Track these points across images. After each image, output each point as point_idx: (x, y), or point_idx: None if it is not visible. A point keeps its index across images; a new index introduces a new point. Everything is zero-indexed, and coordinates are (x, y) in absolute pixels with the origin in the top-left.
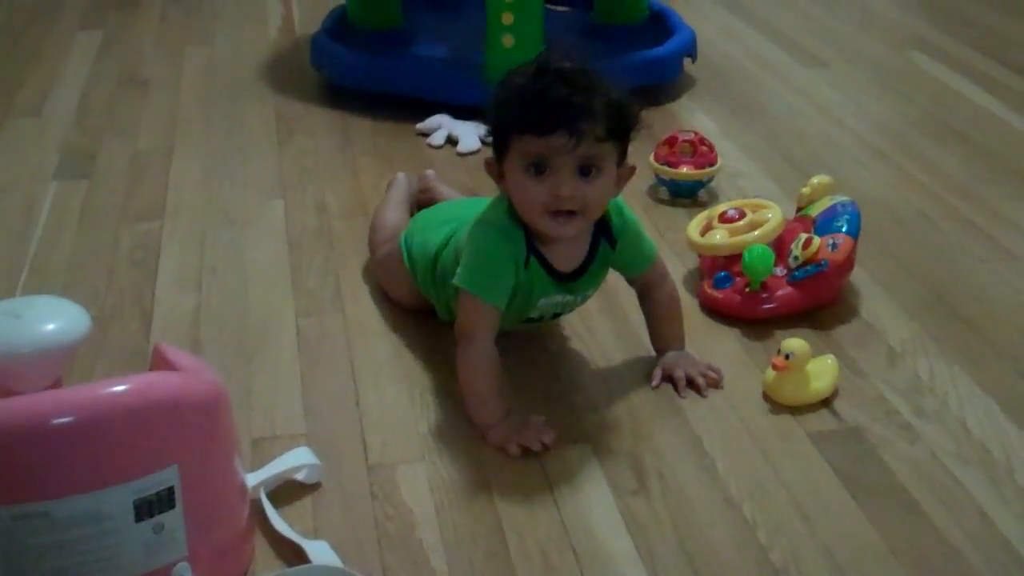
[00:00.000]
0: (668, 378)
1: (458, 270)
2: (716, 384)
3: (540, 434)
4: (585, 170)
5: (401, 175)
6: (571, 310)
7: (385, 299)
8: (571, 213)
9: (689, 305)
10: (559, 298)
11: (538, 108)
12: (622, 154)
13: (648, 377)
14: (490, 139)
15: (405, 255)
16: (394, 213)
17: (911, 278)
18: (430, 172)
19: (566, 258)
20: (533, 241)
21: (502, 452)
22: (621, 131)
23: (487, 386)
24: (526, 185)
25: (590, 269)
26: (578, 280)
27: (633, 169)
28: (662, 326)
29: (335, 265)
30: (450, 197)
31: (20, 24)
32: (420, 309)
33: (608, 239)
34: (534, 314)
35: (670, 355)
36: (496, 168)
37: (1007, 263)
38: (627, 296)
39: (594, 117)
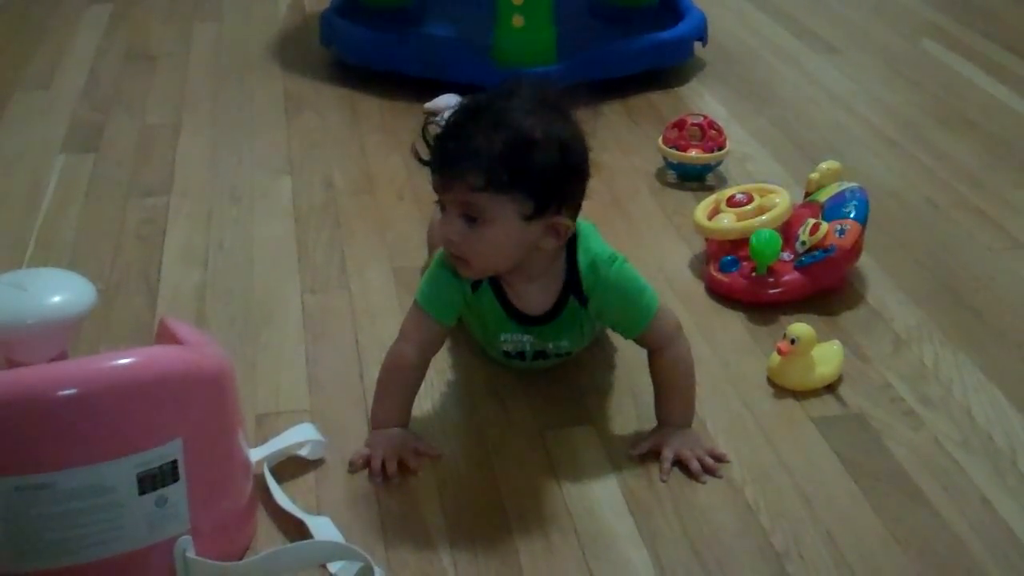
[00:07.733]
0: (656, 454)
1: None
2: (713, 472)
3: (416, 452)
4: (469, 218)
5: None
6: (558, 356)
7: (390, 276)
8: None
9: (695, 289)
10: (525, 338)
11: (436, 145)
12: (539, 206)
13: None
14: None
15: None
16: None
17: (918, 265)
18: None
19: (526, 298)
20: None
21: (366, 460)
22: (524, 182)
23: (393, 391)
24: (438, 220)
25: (559, 319)
26: (545, 326)
27: (567, 227)
28: (664, 396)
29: (341, 242)
30: None
31: None
32: None
33: (577, 296)
34: (508, 347)
35: (669, 431)
36: None
37: (1015, 252)
38: None
39: (477, 164)
